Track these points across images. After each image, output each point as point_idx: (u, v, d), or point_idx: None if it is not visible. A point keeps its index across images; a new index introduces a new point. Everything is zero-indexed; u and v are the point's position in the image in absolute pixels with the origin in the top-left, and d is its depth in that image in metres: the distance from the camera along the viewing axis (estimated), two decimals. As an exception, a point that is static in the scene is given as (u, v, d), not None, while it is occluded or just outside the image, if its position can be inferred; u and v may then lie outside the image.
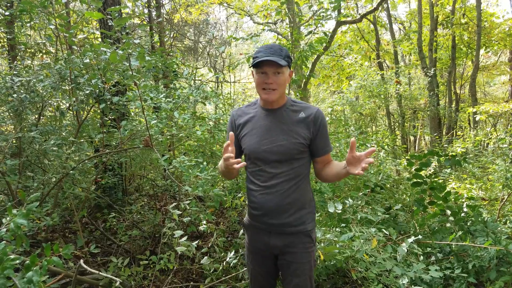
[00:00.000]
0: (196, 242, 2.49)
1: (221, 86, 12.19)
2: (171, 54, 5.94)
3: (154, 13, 6.39)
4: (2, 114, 3.20)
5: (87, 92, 3.01)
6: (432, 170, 5.12)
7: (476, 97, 10.33)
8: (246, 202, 1.79)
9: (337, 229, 2.62)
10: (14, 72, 3.16)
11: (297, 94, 4.86)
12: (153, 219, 3.50)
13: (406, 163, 3.32)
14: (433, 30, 10.68)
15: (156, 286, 2.65)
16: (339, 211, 2.75)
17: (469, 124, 12.68)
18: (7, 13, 3.16)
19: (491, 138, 7.51)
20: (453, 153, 3.39)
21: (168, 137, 3.31)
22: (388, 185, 3.97)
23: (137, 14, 6.98)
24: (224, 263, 2.62)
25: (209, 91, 3.75)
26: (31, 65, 3.96)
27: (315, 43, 4.24)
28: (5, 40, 4.27)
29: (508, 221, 3.29)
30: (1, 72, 3.61)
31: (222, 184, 4.26)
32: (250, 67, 1.92)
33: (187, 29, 10.39)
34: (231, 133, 1.50)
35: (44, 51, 4.40)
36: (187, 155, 3.80)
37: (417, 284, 2.27)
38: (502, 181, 4.28)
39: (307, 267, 1.66)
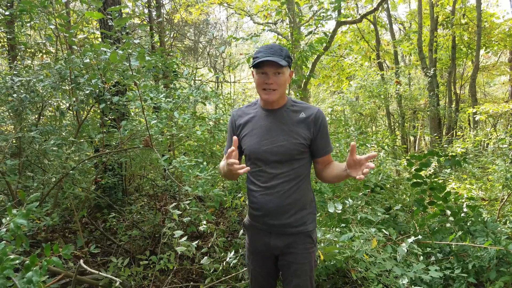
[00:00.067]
0: (196, 242, 2.49)
1: (221, 86, 12.19)
2: (171, 54, 5.94)
3: (154, 13, 6.39)
4: (2, 114, 3.20)
5: (87, 92, 3.01)
6: (432, 170, 5.13)
7: (476, 98, 10.33)
8: (246, 202, 1.79)
9: (337, 229, 2.62)
10: (14, 72, 3.16)
11: (297, 94, 4.86)
12: (153, 219, 3.49)
13: (406, 163, 3.32)
14: (433, 30, 10.68)
15: (156, 286, 2.65)
16: (339, 211, 2.75)
17: (469, 124, 12.68)
18: (7, 13, 3.16)
19: (491, 138, 7.51)
20: (453, 154, 3.39)
21: (168, 137, 3.31)
22: (388, 185, 3.97)
23: (137, 14, 6.98)
24: (224, 263, 2.62)
25: (209, 91, 3.75)
26: (31, 65, 3.96)
27: (315, 43, 4.24)
28: (5, 40, 4.27)
29: (508, 221, 3.29)
30: (1, 72, 3.61)
31: (222, 184, 4.26)
32: (250, 67, 1.92)
33: (187, 29, 10.39)
34: (235, 137, 1.46)
35: (44, 51, 4.40)
36: (187, 155, 3.80)
37: (417, 284, 2.27)
38: (502, 181, 4.28)
39: (307, 267, 1.66)
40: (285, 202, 1.61)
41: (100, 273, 2.01)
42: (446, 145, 7.72)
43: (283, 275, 1.72)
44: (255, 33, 4.32)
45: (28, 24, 3.67)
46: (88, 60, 2.80)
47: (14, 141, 2.96)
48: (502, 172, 4.55)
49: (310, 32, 4.53)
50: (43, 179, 2.89)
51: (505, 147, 5.71)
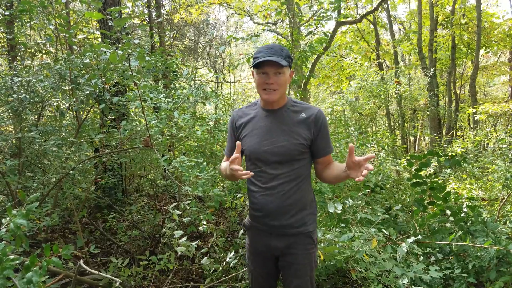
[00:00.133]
0: (196, 242, 2.49)
1: (221, 86, 12.19)
2: (171, 54, 5.94)
3: (154, 13, 6.39)
4: (2, 114, 3.20)
5: (87, 92, 3.01)
6: (432, 170, 5.13)
7: (476, 97, 10.33)
8: (247, 202, 1.79)
9: (337, 229, 2.62)
10: (14, 72, 3.16)
11: (297, 94, 4.86)
12: (153, 219, 3.49)
13: (406, 163, 3.32)
14: (433, 30, 10.68)
15: (156, 286, 2.65)
16: (339, 211, 2.75)
17: (469, 124, 12.68)
18: (7, 13, 3.16)
19: (490, 138, 7.51)
20: (453, 153, 3.39)
21: (168, 137, 3.31)
22: (388, 185, 3.97)
23: (137, 14, 6.98)
24: (224, 264, 2.62)
25: (209, 91, 3.75)
26: (31, 65, 3.96)
27: (315, 43, 4.24)
28: (5, 40, 4.27)
29: (508, 221, 3.29)
30: (1, 72, 3.61)
31: (222, 184, 4.26)
32: (250, 67, 1.92)
33: (187, 29, 10.39)
34: (238, 142, 1.49)
35: (44, 51, 4.40)
36: (187, 155, 3.80)
37: (417, 284, 2.27)
38: (502, 181, 4.28)
39: (308, 268, 1.66)
40: (286, 202, 1.61)
41: (100, 273, 2.00)
42: (446, 145, 7.72)
43: (283, 275, 1.72)
44: (255, 33, 4.32)
45: (28, 24, 3.67)
46: (88, 60, 2.80)
47: (14, 141, 2.96)
48: (502, 172, 4.55)
49: (310, 32, 4.53)
50: (43, 179, 2.89)
51: (505, 147, 5.71)
